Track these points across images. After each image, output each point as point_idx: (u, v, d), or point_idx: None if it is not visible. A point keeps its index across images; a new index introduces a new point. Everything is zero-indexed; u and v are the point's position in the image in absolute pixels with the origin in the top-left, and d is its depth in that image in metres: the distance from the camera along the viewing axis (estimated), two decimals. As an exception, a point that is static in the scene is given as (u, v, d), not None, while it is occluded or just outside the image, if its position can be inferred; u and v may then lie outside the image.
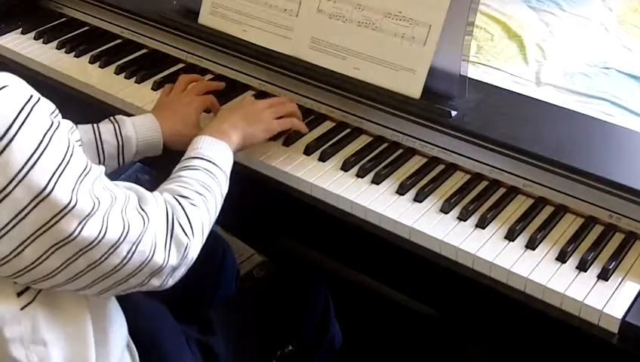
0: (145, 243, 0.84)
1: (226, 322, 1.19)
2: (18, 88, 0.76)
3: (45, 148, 0.75)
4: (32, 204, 0.75)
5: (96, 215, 0.79)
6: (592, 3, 1.89)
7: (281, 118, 1.22)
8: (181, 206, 0.92)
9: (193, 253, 0.91)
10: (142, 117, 1.20)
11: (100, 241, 0.80)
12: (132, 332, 1.01)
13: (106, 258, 0.81)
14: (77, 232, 0.77)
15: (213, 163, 1.03)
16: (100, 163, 1.14)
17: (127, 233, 0.82)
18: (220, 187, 1.02)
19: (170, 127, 1.20)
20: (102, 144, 1.14)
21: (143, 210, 0.86)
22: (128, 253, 0.83)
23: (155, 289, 0.90)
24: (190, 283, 1.07)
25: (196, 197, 0.96)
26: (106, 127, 1.15)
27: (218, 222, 1.04)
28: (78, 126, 1.13)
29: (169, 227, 0.88)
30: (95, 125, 1.15)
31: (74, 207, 0.76)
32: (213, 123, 1.13)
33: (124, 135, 1.15)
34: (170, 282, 0.90)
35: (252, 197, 1.21)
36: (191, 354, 1.12)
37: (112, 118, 1.18)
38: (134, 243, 0.83)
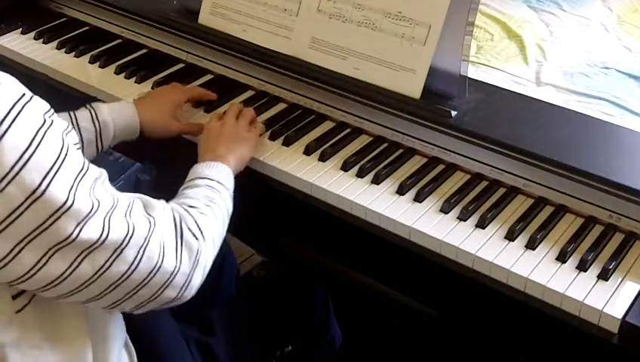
0: (152, 249, 0.82)
1: (225, 322, 1.19)
2: (10, 86, 0.75)
3: (38, 146, 0.73)
4: (27, 203, 0.73)
5: (97, 216, 0.77)
6: (592, 3, 1.89)
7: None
8: (189, 213, 0.91)
9: (205, 258, 0.89)
10: (118, 102, 1.25)
11: (102, 243, 0.78)
12: (130, 331, 1.00)
13: (112, 263, 0.79)
14: (75, 233, 0.76)
15: (217, 181, 1.03)
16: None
17: (132, 236, 0.80)
18: (225, 202, 1.01)
19: (145, 110, 1.24)
20: (79, 130, 1.16)
21: (149, 214, 0.85)
22: (135, 258, 0.81)
23: (172, 302, 0.87)
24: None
25: (204, 208, 0.95)
26: (82, 114, 1.18)
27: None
28: None
29: (178, 231, 0.87)
30: (72, 112, 1.18)
31: (71, 206, 0.75)
32: (207, 151, 1.12)
33: (100, 120, 1.18)
34: (187, 294, 0.88)
35: (252, 197, 1.20)
36: (190, 354, 1.12)
37: (87, 105, 1.20)
38: (141, 246, 0.81)
